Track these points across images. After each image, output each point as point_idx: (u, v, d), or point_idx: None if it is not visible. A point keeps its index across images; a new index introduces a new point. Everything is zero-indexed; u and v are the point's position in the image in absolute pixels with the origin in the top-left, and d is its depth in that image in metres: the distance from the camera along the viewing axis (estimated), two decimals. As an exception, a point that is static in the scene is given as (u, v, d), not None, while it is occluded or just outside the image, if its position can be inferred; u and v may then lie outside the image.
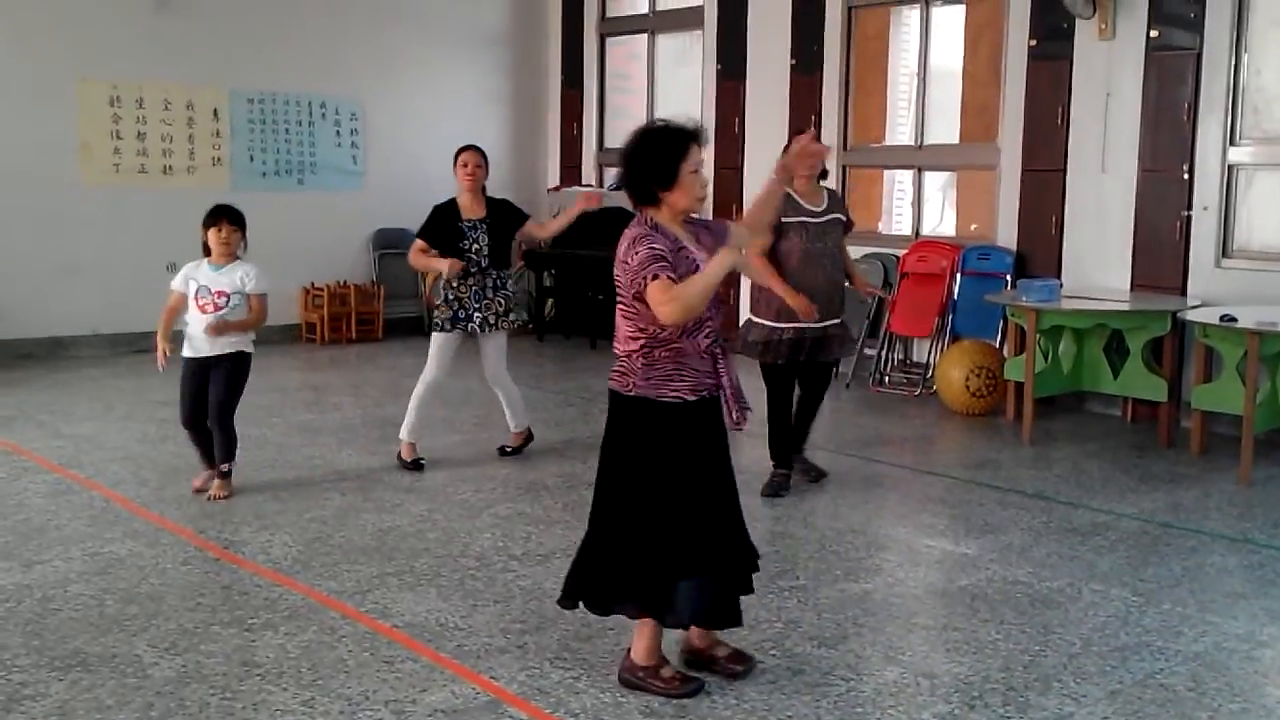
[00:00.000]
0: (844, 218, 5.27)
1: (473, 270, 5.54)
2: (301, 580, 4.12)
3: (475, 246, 5.54)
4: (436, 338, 5.60)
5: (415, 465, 5.58)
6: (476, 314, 5.55)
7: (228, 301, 4.95)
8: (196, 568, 4.25)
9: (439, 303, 5.60)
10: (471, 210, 5.57)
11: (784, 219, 5.00)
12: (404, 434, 5.64)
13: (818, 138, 5.18)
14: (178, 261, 5.00)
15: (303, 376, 8.39)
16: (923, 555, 4.51)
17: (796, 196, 5.08)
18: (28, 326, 8.41)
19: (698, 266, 3.09)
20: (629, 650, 3.30)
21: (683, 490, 3.17)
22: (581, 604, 3.33)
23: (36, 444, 6.05)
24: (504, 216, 5.66)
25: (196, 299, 4.94)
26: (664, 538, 3.16)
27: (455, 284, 5.52)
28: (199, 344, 4.96)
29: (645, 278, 3.03)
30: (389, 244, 9.92)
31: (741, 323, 5.39)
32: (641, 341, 3.14)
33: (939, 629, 3.78)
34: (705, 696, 3.23)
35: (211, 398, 4.99)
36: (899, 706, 3.20)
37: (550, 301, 10.18)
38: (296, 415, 6.85)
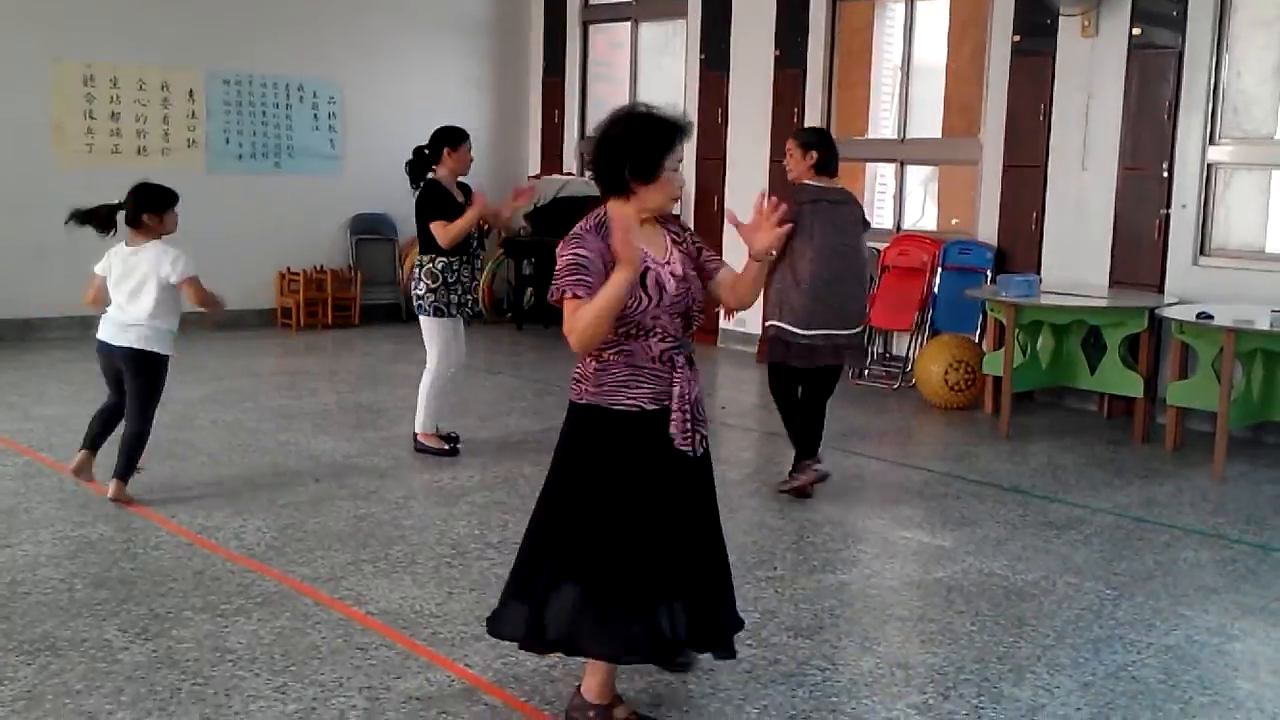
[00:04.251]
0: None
1: (465, 257, 5.53)
2: (275, 566, 4.08)
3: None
4: (441, 324, 5.50)
5: (452, 450, 5.59)
6: (469, 297, 5.56)
7: None
8: (168, 552, 4.20)
9: (435, 285, 5.43)
10: (456, 195, 5.52)
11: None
12: (420, 427, 5.60)
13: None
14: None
15: (277, 362, 8.32)
16: (899, 547, 4.52)
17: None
18: (-2, 307, 8.31)
19: (647, 268, 2.79)
20: (579, 687, 2.99)
21: (620, 512, 2.83)
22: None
23: (6, 426, 5.96)
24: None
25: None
26: (594, 560, 2.83)
27: (458, 267, 5.46)
28: None
29: (560, 290, 2.76)
30: (366, 229, 9.85)
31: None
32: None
33: (914, 620, 3.79)
34: (681, 685, 3.22)
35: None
36: (874, 696, 3.20)
37: (529, 290, 10.13)
38: (271, 401, 6.79)
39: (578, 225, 2.88)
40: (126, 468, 4.71)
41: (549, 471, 2.99)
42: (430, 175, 5.49)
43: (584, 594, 2.84)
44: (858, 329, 5.06)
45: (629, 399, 2.83)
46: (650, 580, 2.84)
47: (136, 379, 4.64)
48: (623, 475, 2.85)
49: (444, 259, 5.44)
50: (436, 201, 5.43)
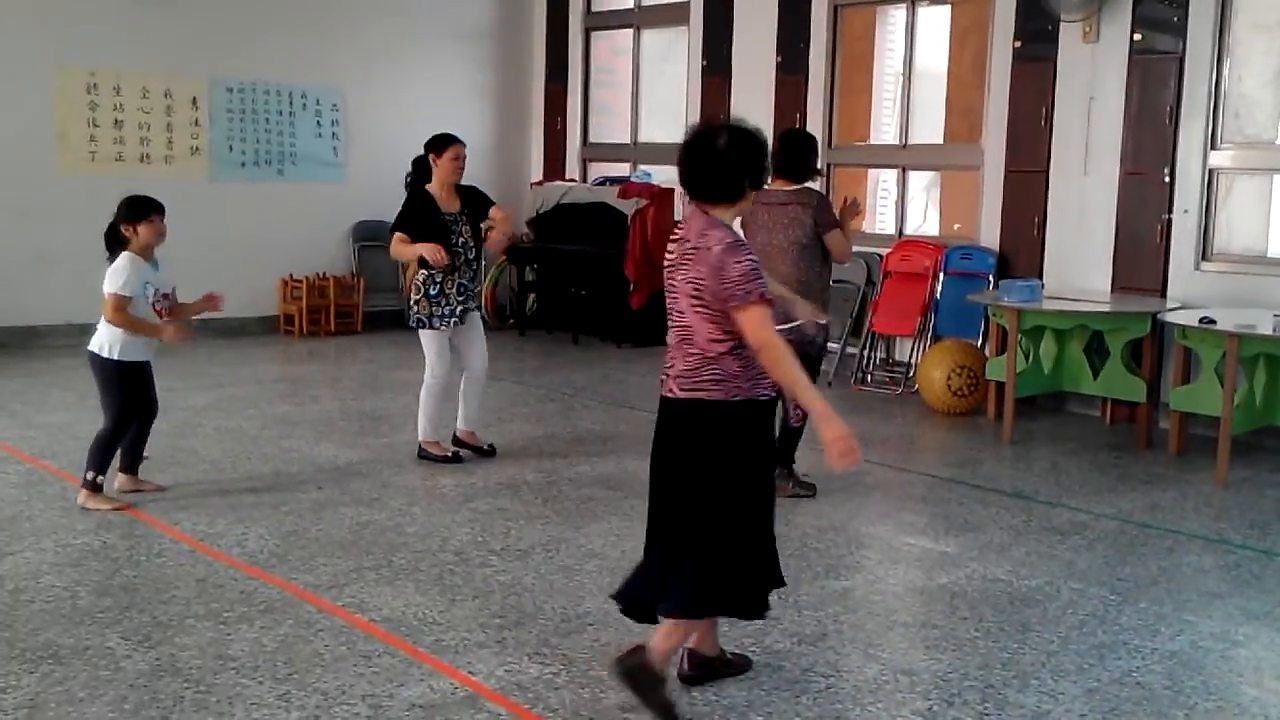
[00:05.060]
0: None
1: (459, 264, 5.45)
2: (278, 573, 4.07)
3: (461, 240, 5.45)
4: (429, 335, 5.49)
5: (455, 457, 5.57)
6: (460, 307, 5.49)
7: (169, 301, 4.78)
8: (171, 560, 4.20)
9: (419, 297, 5.45)
10: (449, 203, 5.46)
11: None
12: (422, 435, 5.59)
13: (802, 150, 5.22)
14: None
15: (280, 369, 8.33)
16: (903, 553, 4.52)
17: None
18: (1, 315, 8.31)
19: None
20: (643, 647, 3.06)
21: (770, 488, 3.24)
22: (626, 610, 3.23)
23: (9, 434, 5.97)
24: (477, 206, 5.57)
25: (153, 303, 4.71)
26: (767, 542, 3.20)
27: (440, 279, 5.41)
28: (145, 348, 4.77)
29: (752, 295, 2.93)
30: (369, 236, 9.85)
31: None
32: (731, 343, 3.00)
33: (918, 626, 3.78)
34: (685, 693, 3.22)
35: (152, 398, 4.89)
36: (878, 703, 3.20)
37: (532, 297, 10.14)
38: (273, 407, 6.79)
39: (721, 233, 3.01)
40: (86, 473, 4.73)
41: (694, 473, 3.06)
42: (426, 185, 5.45)
43: (729, 561, 3.07)
44: (786, 325, 4.97)
45: (768, 387, 3.08)
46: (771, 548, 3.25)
47: (94, 379, 4.77)
48: (768, 456, 3.22)
49: (425, 271, 5.41)
50: (406, 212, 5.40)
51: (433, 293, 5.42)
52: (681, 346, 3.08)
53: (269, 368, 8.21)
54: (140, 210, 4.66)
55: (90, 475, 4.73)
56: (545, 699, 3.17)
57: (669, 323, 3.14)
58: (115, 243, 4.68)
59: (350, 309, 9.68)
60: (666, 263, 3.16)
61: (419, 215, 5.37)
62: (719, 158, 3.05)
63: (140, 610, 3.71)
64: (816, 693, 3.25)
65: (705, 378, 3.03)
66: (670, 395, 3.11)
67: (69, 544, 4.32)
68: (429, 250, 5.26)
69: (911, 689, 3.29)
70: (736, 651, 3.40)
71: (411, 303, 5.51)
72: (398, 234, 5.41)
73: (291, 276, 9.48)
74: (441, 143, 5.45)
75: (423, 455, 5.59)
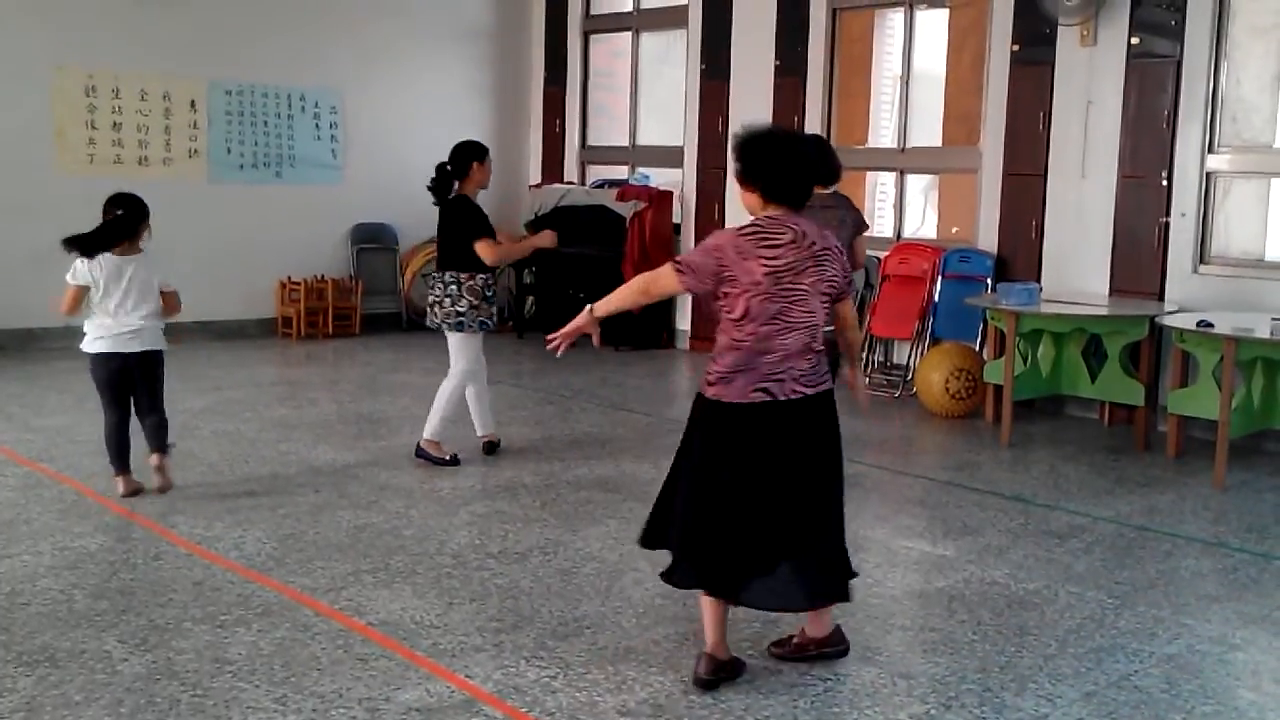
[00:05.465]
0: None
1: (496, 270, 5.63)
2: (275, 577, 4.07)
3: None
4: (478, 338, 5.55)
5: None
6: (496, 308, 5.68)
7: None
8: (168, 563, 4.19)
9: (477, 301, 5.45)
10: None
11: None
12: (430, 433, 5.58)
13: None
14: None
15: (278, 371, 8.32)
16: (901, 556, 4.52)
17: None
18: (-1, 317, 8.32)
19: None
20: (808, 632, 3.43)
21: None
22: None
23: (6, 436, 5.97)
24: None
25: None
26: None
27: (493, 282, 5.56)
28: None
29: (853, 285, 3.35)
30: (368, 238, 9.86)
31: None
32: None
33: (916, 630, 3.78)
34: (682, 696, 3.22)
35: None
36: (876, 707, 3.20)
37: (530, 299, 10.14)
38: (271, 410, 6.79)
39: (833, 234, 3.32)
40: (166, 445, 4.95)
41: (826, 457, 3.35)
42: (457, 192, 5.53)
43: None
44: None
45: None
46: None
47: (154, 380, 4.92)
48: None
49: (483, 275, 5.49)
50: (481, 218, 5.47)
51: (489, 295, 5.53)
52: (808, 347, 3.21)
53: (266, 370, 8.20)
54: (148, 210, 4.80)
55: (172, 443, 5.00)
56: (542, 702, 3.17)
57: (781, 325, 3.14)
58: (104, 247, 4.69)
59: (348, 311, 9.67)
60: (773, 269, 3.10)
61: (485, 219, 5.50)
62: (810, 163, 3.24)
63: (137, 613, 3.71)
64: (814, 696, 3.25)
65: (823, 370, 3.28)
66: (796, 396, 3.21)
67: (66, 547, 4.32)
68: (547, 238, 5.62)
69: (909, 692, 3.29)
70: (734, 655, 3.40)
71: (469, 307, 5.45)
72: (487, 239, 5.42)
73: (289, 279, 9.47)
74: (484, 151, 5.60)
75: (420, 455, 5.59)
